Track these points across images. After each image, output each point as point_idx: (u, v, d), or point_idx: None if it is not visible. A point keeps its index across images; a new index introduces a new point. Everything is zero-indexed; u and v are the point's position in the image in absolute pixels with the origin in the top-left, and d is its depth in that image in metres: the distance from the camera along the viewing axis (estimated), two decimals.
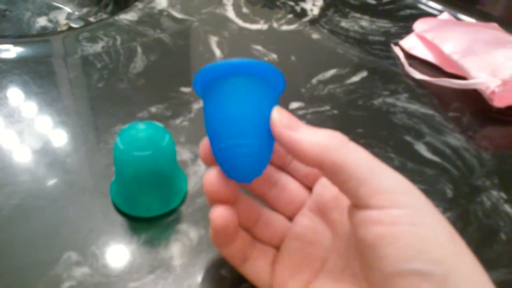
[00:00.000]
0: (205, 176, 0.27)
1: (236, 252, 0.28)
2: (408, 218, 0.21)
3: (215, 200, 0.27)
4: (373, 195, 0.22)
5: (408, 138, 0.43)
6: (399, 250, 0.21)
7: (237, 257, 0.28)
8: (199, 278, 0.31)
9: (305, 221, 0.28)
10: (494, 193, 0.38)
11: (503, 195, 0.38)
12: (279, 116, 0.25)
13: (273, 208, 0.30)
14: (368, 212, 0.22)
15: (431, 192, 0.38)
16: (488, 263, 0.32)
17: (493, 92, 0.46)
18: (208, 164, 0.28)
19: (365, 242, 0.22)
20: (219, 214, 0.26)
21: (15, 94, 0.42)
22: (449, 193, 0.38)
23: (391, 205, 0.22)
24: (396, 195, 0.22)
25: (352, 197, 0.23)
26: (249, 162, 0.26)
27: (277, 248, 0.29)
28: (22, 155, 0.37)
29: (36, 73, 0.45)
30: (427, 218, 0.21)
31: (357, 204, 0.23)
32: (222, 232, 0.27)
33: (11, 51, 0.47)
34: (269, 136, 0.25)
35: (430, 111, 0.46)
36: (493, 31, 0.54)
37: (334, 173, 0.23)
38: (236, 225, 0.27)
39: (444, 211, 0.37)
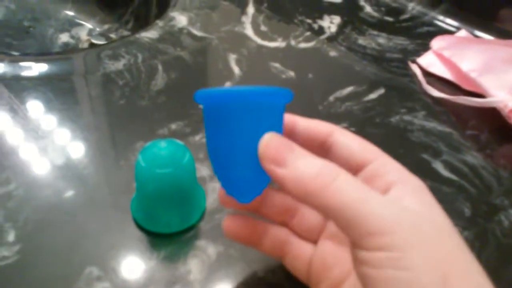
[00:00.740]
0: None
1: (270, 250, 0.29)
2: (392, 261, 0.20)
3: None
4: (359, 238, 0.21)
5: (425, 156, 0.43)
6: None
7: (274, 253, 0.30)
8: None
9: None
10: None
11: None
12: (265, 149, 0.24)
13: None
14: (358, 251, 0.22)
15: (449, 210, 0.37)
16: (507, 284, 0.32)
17: (511, 111, 0.46)
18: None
19: (358, 277, 0.22)
20: (226, 225, 0.29)
21: (39, 110, 0.44)
22: (467, 212, 0.38)
23: (377, 247, 0.21)
24: (382, 238, 0.21)
25: (344, 234, 0.23)
26: (246, 188, 0.26)
27: (315, 242, 0.29)
28: (46, 171, 0.38)
29: (60, 90, 0.46)
30: (415, 260, 0.20)
31: (350, 241, 0.23)
32: (236, 240, 0.29)
33: (35, 69, 0.49)
34: None
35: (447, 129, 0.46)
36: (511, 48, 0.54)
37: (321, 213, 0.24)
38: (251, 231, 0.29)
39: (462, 230, 0.36)
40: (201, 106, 0.27)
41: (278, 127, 0.26)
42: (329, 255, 0.28)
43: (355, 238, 0.22)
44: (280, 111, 0.26)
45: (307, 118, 0.28)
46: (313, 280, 0.29)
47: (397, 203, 0.23)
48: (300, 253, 0.29)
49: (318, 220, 0.29)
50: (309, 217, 0.29)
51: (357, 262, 0.22)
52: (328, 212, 0.22)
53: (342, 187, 0.22)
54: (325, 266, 0.28)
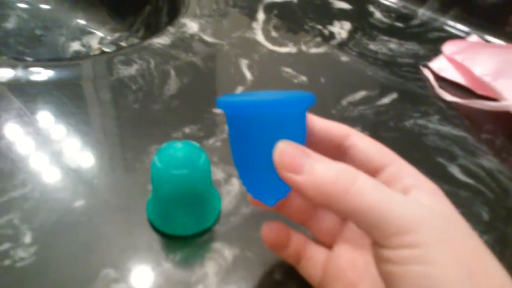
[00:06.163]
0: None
1: (290, 255, 0.30)
2: (417, 258, 0.20)
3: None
4: (383, 238, 0.21)
5: (441, 160, 0.43)
6: None
7: (292, 258, 0.30)
8: None
9: None
10: None
11: None
12: (280, 158, 0.23)
13: None
14: (382, 250, 0.22)
15: (467, 214, 0.37)
16: None
17: None
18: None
19: (381, 277, 0.22)
20: (269, 230, 0.29)
21: (54, 114, 0.44)
22: (485, 216, 0.38)
23: (402, 245, 0.21)
24: (406, 237, 0.21)
25: (367, 235, 0.23)
26: (270, 192, 0.27)
27: (330, 247, 0.29)
28: (61, 173, 0.38)
29: (74, 94, 0.46)
30: (440, 256, 0.20)
31: (372, 241, 0.23)
32: (273, 246, 0.30)
33: (48, 74, 0.49)
34: None
35: (462, 133, 0.46)
36: None
37: (342, 217, 0.24)
38: (287, 237, 0.29)
39: (481, 234, 0.36)
40: (222, 111, 0.27)
41: (300, 131, 0.26)
42: (344, 258, 0.28)
43: (379, 239, 0.22)
44: (301, 115, 0.26)
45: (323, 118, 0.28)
46: (326, 284, 0.28)
47: (418, 203, 0.22)
48: (315, 256, 0.29)
49: (335, 222, 0.30)
50: (326, 219, 0.30)
51: (381, 261, 0.22)
52: (350, 216, 0.22)
53: (363, 190, 0.22)
54: (340, 267, 0.28)
